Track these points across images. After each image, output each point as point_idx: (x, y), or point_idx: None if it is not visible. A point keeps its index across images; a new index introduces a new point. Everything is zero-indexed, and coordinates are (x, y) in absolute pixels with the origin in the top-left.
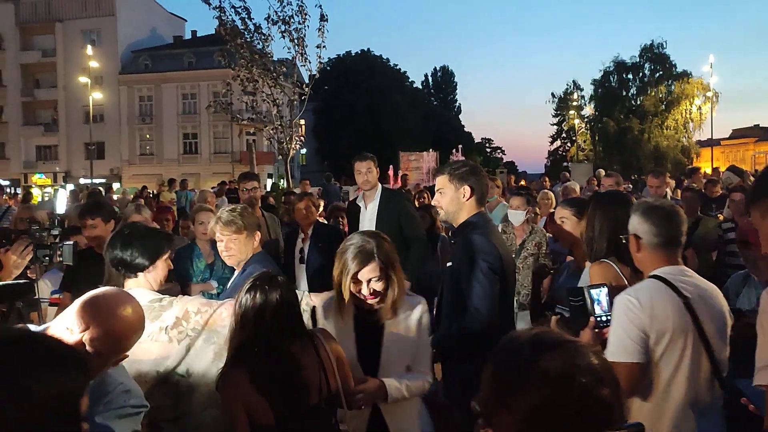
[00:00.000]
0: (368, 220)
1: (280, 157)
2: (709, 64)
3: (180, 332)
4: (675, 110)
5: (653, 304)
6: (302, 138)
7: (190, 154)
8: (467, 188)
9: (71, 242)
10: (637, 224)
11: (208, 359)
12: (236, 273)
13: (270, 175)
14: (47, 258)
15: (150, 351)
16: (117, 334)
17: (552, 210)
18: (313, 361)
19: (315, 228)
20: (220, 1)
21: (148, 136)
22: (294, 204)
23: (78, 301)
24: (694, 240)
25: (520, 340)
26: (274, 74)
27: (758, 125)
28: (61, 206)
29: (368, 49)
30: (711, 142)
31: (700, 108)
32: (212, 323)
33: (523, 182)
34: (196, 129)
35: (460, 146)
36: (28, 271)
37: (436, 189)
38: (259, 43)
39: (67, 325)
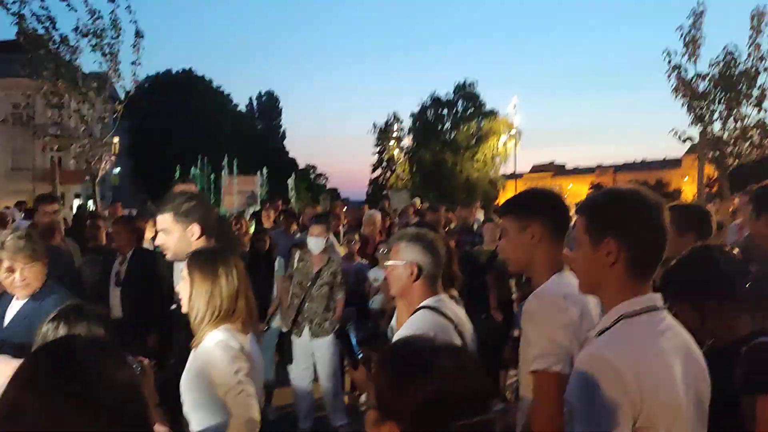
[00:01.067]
0: None
1: (88, 177)
2: (513, 104)
3: None
4: (484, 145)
5: (435, 336)
6: (113, 158)
7: None
8: (196, 226)
9: None
10: (418, 254)
11: None
12: (21, 303)
13: (78, 195)
14: None
15: None
16: None
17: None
18: None
19: (134, 252)
20: (19, 8)
21: None
22: (109, 228)
23: None
24: (496, 266)
25: (418, 343)
26: (83, 89)
27: (554, 162)
28: None
29: (190, 68)
30: (515, 176)
31: (505, 144)
32: None
33: (318, 208)
34: None
35: (293, 174)
36: None
37: (158, 228)
38: (66, 55)
39: None
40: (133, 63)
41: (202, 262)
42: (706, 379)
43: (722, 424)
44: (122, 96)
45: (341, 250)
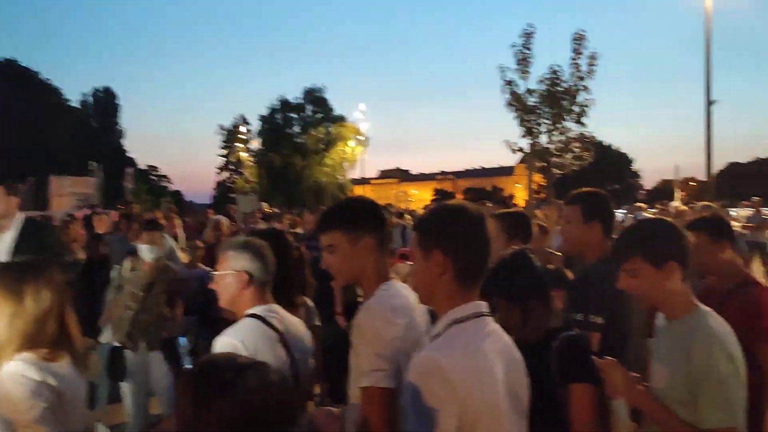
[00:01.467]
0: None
1: None
2: (361, 111)
3: None
4: (333, 150)
5: (257, 346)
6: None
7: None
8: None
9: None
10: (247, 262)
11: None
12: None
13: None
14: None
15: None
16: None
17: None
18: None
19: None
20: None
21: None
22: None
23: None
24: None
25: (221, 362)
26: None
27: (399, 168)
28: None
29: (13, 58)
30: (362, 181)
31: (353, 149)
32: None
33: (156, 215)
34: None
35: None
36: None
37: None
38: None
39: None
40: None
41: (4, 279)
42: (524, 378)
43: (540, 413)
44: None
45: (183, 257)
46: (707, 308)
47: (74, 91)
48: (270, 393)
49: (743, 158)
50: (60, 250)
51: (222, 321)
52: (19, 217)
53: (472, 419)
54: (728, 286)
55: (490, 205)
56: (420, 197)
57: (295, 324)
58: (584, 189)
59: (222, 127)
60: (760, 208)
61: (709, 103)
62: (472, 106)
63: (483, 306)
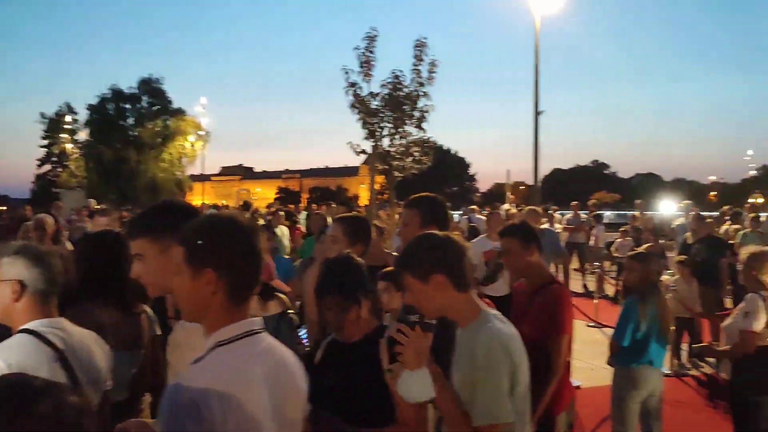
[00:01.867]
0: None
1: None
2: (202, 105)
3: None
4: (171, 144)
5: (25, 366)
6: None
7: None
8: None
9: None
10: (22, 269)
11: None
12: None
13: None
14: None
15: None
16: None
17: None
18: None
19: None
20: None
21: None
22: None
23: None
24: None
25: (11, 384)
26: None
27: (242, 165)
28: None
29: None
30: (202, 177)
31: (193, 144)
32: None
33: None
34: None
35: None
36: None
37: None
38: None
39: None
40: None
41: None
42: (300, 394)
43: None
44: None
45: None
46: (493, 311)
47: None
48: (65, 418)
49: (566, 165)
50: None
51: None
52: None
53: None
54: (535, 286)
55: (335, 206)
56: (263, 195)
57: (85, 340)
58: (423, 194)
59: (44, 116)
60: (578, 212)
61: (537, 112)
62: (319, 105)
63: (256, 323)
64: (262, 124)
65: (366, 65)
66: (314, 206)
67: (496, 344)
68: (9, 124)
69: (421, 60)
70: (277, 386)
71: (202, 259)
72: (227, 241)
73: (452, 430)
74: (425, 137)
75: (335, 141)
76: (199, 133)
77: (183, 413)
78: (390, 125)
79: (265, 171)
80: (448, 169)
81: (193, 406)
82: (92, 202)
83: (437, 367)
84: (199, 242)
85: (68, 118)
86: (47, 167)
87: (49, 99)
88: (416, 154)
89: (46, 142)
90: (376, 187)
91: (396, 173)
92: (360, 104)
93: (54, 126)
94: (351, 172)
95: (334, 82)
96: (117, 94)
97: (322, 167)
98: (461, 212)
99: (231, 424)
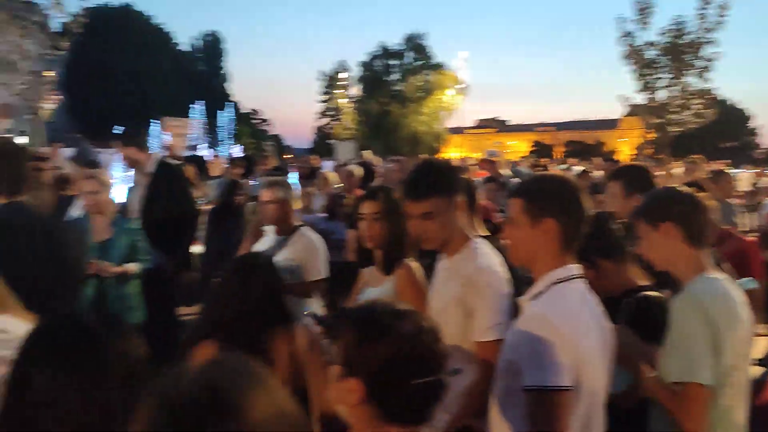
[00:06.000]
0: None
1: (33, 115)
2: (462, 59)
3: None
4: (430, 98)
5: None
6: (57, 96)
7: None
8: None
9: None
10: None
11: None
12: None
13: (9, 132)
14: None
15: None
16: None
17: (331, 190)
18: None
19: None
20: None
21: None
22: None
23: None
24: None
25: (378, 307)
26: (25, 22)
27: (497, 118)
28: None
29: (129, 3)
30: (458, 130)
31: (452, 98)
32: None
33: (274, 161)
34: None
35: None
36: None
37: None
38: None
39: None
40: None
41: None
42: (609, 333)
43: None
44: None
45: (295, 203)
46: (716, 275)
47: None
48: (421, 339)
49: None
50: (188, 191)
51: (346, 266)
52: (154, 160)
53: (579, 367)
54: None
55: (599, 161)
56: (517, 148)
57: None
58: (627, 163)
59: (323, 73)
60: None
61: None
62: (576, 56)
63: (575, 269)
64: (517, 75)
65: (643, 13)
66: (570, 160)
67: (688, 305)
68: (294, 83)
69: (708, 2)
70: (598, 320)
71: (542, 209)
72: (564, 194)
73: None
74: (707, 88)
75: (593, 92)
76: (458, 86)
77: (544, 332)
78: (668, 76)
79: (519, 124)
80: (725, 123)
81: (552, 325)
82: (366, 153)
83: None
84: (541, 196)
85: (343, 75)
86: (324, 120)
87: (329, 58)
88: (696, 106)
89: (324, 97)
90: (641, 141)
91: (672, 128)
92: (634, 54)
93: (331, 82)
94: (609, 125)
95: (600, 30)
96: (385, 51)
97: (578, 120)
98: (742, 170)
99: (580, 341)
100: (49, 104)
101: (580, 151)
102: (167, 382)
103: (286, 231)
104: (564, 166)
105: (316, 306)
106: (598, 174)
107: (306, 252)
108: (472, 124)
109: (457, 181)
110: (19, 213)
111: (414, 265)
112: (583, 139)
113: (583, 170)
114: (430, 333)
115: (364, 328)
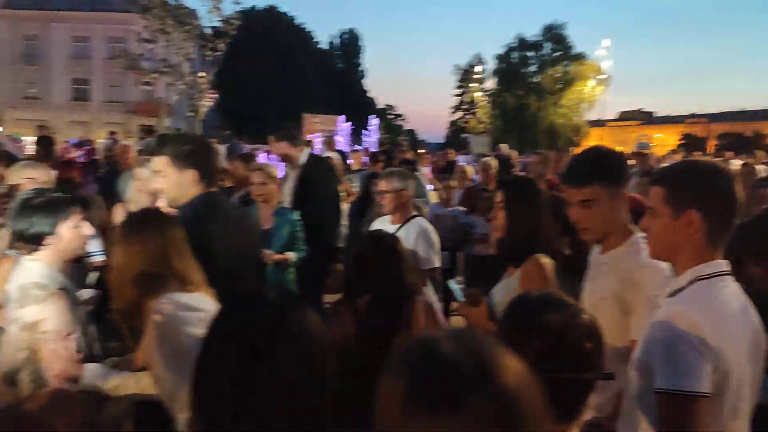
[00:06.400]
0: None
1: (193, 113)
2: (604, 48)
3: (23, 340)
4: (570, 90)
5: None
6: (213, 95)
7: (81, 101)
8: (192, 172)
9: None
10: None
11: None
12: None
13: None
14: None
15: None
16: None
17: (469, 183)
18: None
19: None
20: None
21: (33, 78)
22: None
23: None
24: None
25: (530, 298)
26: (188, 27)
27: (642, 110)
28: None
29: (274, 5)
30: (599, 123)
31: (592, 89)
32: (40, 356)
33: (409, 155)
34: (88, 74)
35: (373, 120)
36: None
37: (154, 169)
38: None
39: None
40: (235, 2)
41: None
42: (763, 336)
43: None
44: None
45: (433, 196)
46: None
47: (323, 32)
48: (570, 334)
49: None
50: (336, 185)
51: (484, 259)
52: (305, 153)
53: (722, 372)
54: None
55: (762, 154)
56: (664, 141)
57: None
58: None
59: (457, 67)
60: None
61: None
62: (731, 40)
63: (724, 265)
64: (664, 63)
65: None
66: (727, 153)
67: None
68: (428, 77)
69: None
70: (747, 322)
71: (685, 200)
72: (711, 184)
73: None
74: None
75: (750, 81)
76: (599, 77)
77: (683, 335)
78: None
79: (666, 116)
80: None
81: (694, 324)
82: (503, 146)
83: None
84: (684, 184)
85: (478, 69)
86: (458, 114)
87: (463, 52)
88: None
89: (458, 91)
90: None
91: None
92: None
93: (465, 76)
94: None
95: (752, 12)
96: (522, 43)
97: (733, 110)
98: None
99: (725, 343)
100: (207, 103)
101: (735, 144)
102: (420, 350)
103: (402, 220)
104: (720, 160)
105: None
106: (760, 168)
107: (419, 241)
108: (614, 117)
109: (623, 172)
110: (218, 201)
111: (545, 260)
112: (740, 131)
113: (744, 163)
114: (583, 329)
115: (511, 318)
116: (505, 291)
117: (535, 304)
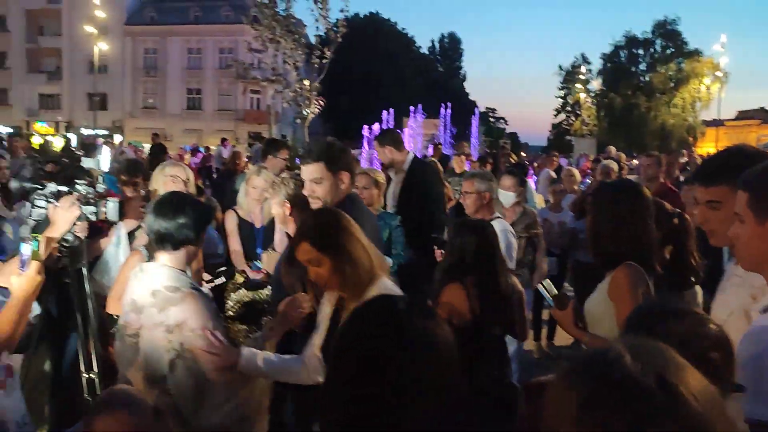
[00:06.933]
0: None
1: (299, 120)
2: (721, 43)
3: (170, 341)
4: (683, 88)
5: None
6: (322, 102)
7: (194, 109)
8: (345, 174)
9: (116, 199)
10: None
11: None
12: None
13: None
14: (94, 215)
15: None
16: None
17: (576, 187)
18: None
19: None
20: None
21: (151, 89)
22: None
23: None
24: None
25: (652, 305)
26: (296, 36)
27: (763, 108)
28: (105, 163)
29: (376, 11)
30: (716, 123)
31: (708, 87)
32: (195, 354)
33: (513, 158)
34: (201, 84)
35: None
36: (75, 229)
37: (309, 178)
38: (282, 3)
39: None
40: (341, 11)
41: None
42: None
43: None
44: (312, 40)
45: (539, 200)
46: None
47: (424, 37)
48: (694, 344)
49: None
50: (441, 189)
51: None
52: (410, 157)
53: None
54: None
55: None
56: None
57: None
58: None
59: (561, 68)
60: None
61: None
62: None
63: None
64: None
65: None
66: None
67: None
68: (529, 79)
69: None
70: None
71: None
72: None
73: None
74: None
75: None
76: (716, 74)
77: None
78: None
79: None
80: None
81: None
82: (611, 149)
83: None
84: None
85: (582, 69)
86: (562, 116)
87: (566, 52)
88: None
89: (562, 93)
90: None
91: None
92: None
93: (569, 77)
94: None
95: None
96: (630, 41)
97: None
98: None
99: None
100: (314, 109)
101: None
102: (601, 363)
103: None
104: None
105: None
106: None
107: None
108: (731, 116)
109: None
110: (360, 201)
111: (634, 268)
112: None
113: None
114: (709, 338)
115: (632, 326)
116: (596, 296)
117: (657, 312)
